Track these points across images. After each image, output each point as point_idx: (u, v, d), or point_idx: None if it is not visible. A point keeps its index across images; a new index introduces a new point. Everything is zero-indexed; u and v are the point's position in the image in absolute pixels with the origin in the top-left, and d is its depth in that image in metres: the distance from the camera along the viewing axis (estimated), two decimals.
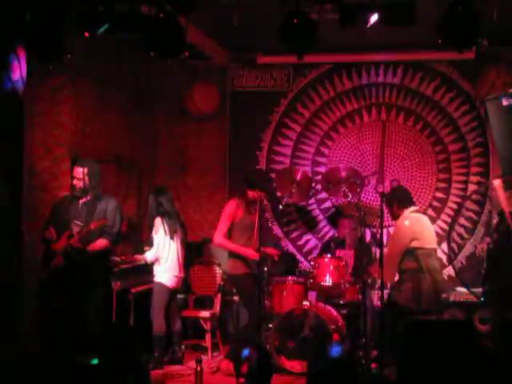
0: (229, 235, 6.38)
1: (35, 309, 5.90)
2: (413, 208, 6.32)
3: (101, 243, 5.96)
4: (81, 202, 6.01)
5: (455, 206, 7.60)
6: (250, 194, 6.28)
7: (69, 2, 5.28)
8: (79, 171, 5.96)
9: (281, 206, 7.14)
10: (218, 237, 6.32)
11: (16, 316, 5.59)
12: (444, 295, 6.58)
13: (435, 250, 6.39)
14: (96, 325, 5.76)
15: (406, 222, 6.16)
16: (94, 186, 5.99)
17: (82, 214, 5.95)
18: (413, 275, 6.05)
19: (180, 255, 6.63)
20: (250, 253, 6.20)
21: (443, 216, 7.64)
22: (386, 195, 6.37)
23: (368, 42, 6.97)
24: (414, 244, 6.09)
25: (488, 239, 6.30)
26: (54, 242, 5.88)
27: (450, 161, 7.66)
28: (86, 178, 5.93)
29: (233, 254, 6.38)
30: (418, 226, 6.21)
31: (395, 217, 6.35)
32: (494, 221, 6.18)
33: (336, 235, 7.63)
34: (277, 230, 7.98)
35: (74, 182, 5.98)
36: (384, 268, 5.85)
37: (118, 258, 6.56)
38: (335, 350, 5.96)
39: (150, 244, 6.59)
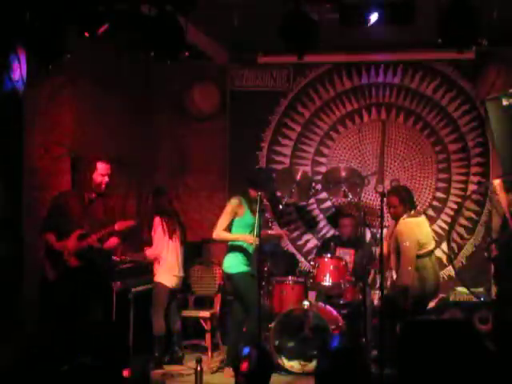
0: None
1: (37, 309, 5.87)
2: (412, 212, 6.34)
3: (114, 241, 5.91)
4: (86, 199, 5.87)
5: (455, 206, 7.60)
6: (253, 193, 6.27)
7: (69, 2, 5.28)
8: (108, 167, 5.87)
9: (281, 206, 7.14)
10: (218, 231, 6.28)
11: (17, 316, 5.59)
12: (443, 294, 6.60)
13: (433, 251, 6.40)
14: (98, 324, 5.75)
15: (409, 227, 6.18)
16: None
17: (93, 212, 5.88)
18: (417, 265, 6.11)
19: (179, 255, 6.64)
20: (249, 237, 6.18)
21: (443, 216, 7.64)
22: (402, 191, 6.35)
23: (368, 42, 6.99)
24: (419, 251, 6.12)
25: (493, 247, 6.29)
26: (58, 242, 5.76)
27: (449, 161, 7.66)
28: (110, 174, 5.90)
29: (231, 252, 6.37)
30: (420, 232, 6.23)
31: (397, 216, 6.34)
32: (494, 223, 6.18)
33: (336, 234, 7.63)
34: (277, 230, 7.96)
35: (100, 178, 5.81)
36: (404, 272, 5.93)
37: (117, 258, 6.57)
38: (336, 342, 5.97)
39: (150, 244, 6.60)
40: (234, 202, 6.33)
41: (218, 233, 6.29)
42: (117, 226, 5.80)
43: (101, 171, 5.85)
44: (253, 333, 6.13)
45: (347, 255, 6.91)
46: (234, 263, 6.34)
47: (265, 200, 6.38)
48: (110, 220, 5.88)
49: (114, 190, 7.01)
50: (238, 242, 6.29)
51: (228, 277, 6.57)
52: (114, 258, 6.50)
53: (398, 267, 6.31)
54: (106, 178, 5.87)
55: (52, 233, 5.76)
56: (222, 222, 6.29)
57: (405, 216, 6.24)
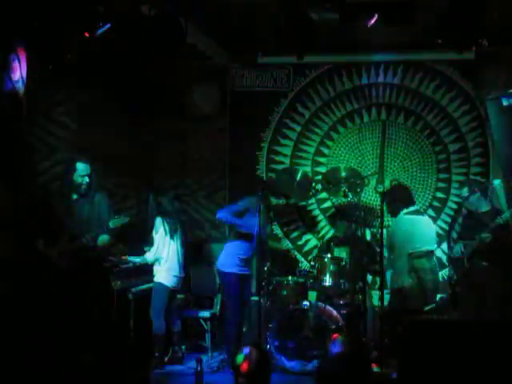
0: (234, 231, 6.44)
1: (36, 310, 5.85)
2: (411, 208, 6.35)
3: (105, 239, 5.90)
4: (74, 199, 5.85)
5: (455, 206, 7.60)
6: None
7: (69, 2, 5.28)
8: (87, 167, 5.84)
9: (274, 200, 7.13)
10: (225, 213, 6.38)
11: (17, 316, 5.58)
12: (444, 295, 6.60)
13: (430, 252, 6.42)
14: (98, 324, 5.74)
15: (402, 223, 6.22)
16: (95, 182, 5.93)
17: (81, 212, 5.86)
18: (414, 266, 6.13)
19: (180, 255, 6.64)
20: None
21: (443, 216, 7.64)
22: (389, 192, 6.39)
23: (368, 42, 6.98)
24: (406, 246, 6.15)
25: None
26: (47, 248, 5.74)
27: (449, 161, 7.66)
28: (92, 174, 5.85)
29: (226, 251, 6.42)
30: (410, 228, 6.25)
31: (393, 213, 6.37)
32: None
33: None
34: (277, 230, 7.97)
35: (80, 179, 5.78)
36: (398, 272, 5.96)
37: (117, 258, 6.57)
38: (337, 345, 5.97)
39: (151, 244, 6.59)
40: (250, 199, 6.38)
41: (225, 214, 6.35)
42: (111, 224, 5.78)
43: (80, 172, 5.80)
44: (229, 335, 6.29)
45: (343, 253, 6.92)
46: (227, 262, 6.39)
47: (265, 200, 6.40)
48: (100, 219, 5.85)
49: (113, 189, 7.03)
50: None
51: (219, 274, 6.63)
52: (112, 258, 6.51)
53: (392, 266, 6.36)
54: (87, 179, 5.81)
55: (40, 238, 5.75)
56: (233, 207, 6.41)
57: (403, 212, 6.27)
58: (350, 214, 7.17)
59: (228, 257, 6.44)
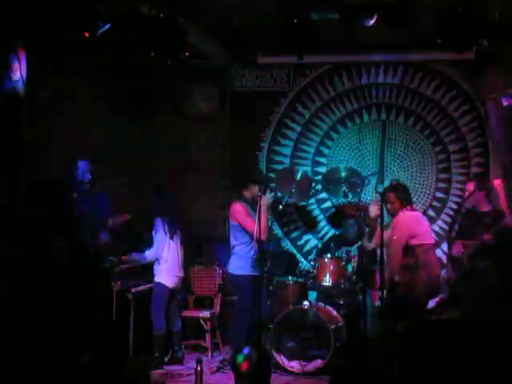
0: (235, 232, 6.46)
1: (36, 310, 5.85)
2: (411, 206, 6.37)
3: (105, 238, 5.90)
4: (74, 198, 5.86)
5: (455, 206, 7.60)
6: (246, 193, 6.40)
7: (69, 2, 5.28)
8: (88, 165, 5.84)
9: (281, 206, 7.14)
10: (254, 227, 6.31)
11: (16, 316, 5.58)
12: (441, 294, 6.60)
13: (433, 245, 6.42)
14: (98, 324, 5.74)
15: (405, 219, 6.21)
16: (95, 182, 5.95)
17: (81, 212, 5.86)
18: (408, 270, 6.10)
19: (180, 255, 6.64)
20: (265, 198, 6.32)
21: (443, 216, 7.64)
22: (398, 188, 6.38)
23: (368, 42, 6.98)
24: (414, 241, 6.12)
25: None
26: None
27: (449, 161, 7.66)
28: (93, 172, 5.87)
29: (236, 255, 6.41)
30: (415, 224, 6.24)
31: (394, 213, 6.36)
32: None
33: (337, 234, 7.64)
34: (277, 230, 7.97)
35: (81, 176, 5.82)
36: (389, 264, 5.97)
37: (116, 258, 6.56)
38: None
39: (151, 244, 6.59)
40: (237, 205, 6.42)
41: (255, 228, 6.29)
42: (111, 222, 5.78)
43: (82, 170, 5.83)
44: (239, 335, 6.26)
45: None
46: (240, 265, 6.38)
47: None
48: (100, 218, 5.86)
49: (113, 189, 7.03)
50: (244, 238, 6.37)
51: (232, 277, 6.60)
52: (112, 258, 6.51)
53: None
54: (89, 175, 5.83)
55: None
56: (250, 221, 6.35)
57: (404, 209, 6.27)
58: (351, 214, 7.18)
59: (240, 259, 6.41)
